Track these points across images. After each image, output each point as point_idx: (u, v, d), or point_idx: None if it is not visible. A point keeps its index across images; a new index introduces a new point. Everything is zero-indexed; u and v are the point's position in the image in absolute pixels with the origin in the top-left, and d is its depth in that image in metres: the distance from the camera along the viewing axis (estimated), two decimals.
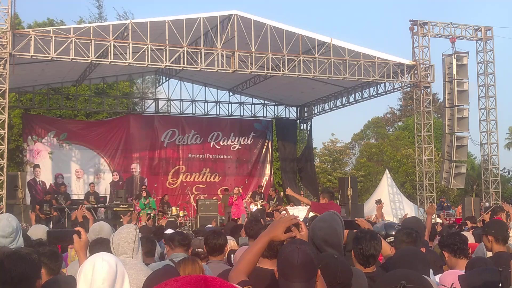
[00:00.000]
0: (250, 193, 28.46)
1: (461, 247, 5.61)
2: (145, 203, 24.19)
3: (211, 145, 31.69)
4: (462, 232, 7.70)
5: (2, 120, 20.56)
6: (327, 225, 4.29)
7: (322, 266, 3.48)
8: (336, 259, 4.07)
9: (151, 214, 23.30)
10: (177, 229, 9.83)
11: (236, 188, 25.77)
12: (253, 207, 25.44)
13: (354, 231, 5.58)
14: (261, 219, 12.16)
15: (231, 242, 8.16)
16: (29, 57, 21.04)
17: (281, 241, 3.55)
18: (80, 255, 4.22)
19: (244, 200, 26.00)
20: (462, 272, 4.95)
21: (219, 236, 6.81)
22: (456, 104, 25.74)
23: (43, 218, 22.12)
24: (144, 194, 24.76)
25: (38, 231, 7.06)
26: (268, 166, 33.25)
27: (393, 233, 6.68)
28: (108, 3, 71.82)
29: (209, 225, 15.45)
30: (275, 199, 25.87)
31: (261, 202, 25.81)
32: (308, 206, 19.18)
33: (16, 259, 3.33)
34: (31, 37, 20.68)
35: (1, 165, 20.40)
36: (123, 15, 42.59)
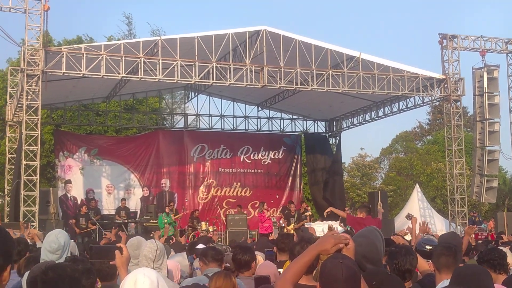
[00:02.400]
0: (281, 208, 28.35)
1: (500, 263, 5.54)
2: (166, 221, 23.95)
3: (241, 159, 31.77)
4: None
5: (34, 137, 20.80)
6: (367, 240, 4.24)
7: (377, 283, 3.45)
8: (391, 276, 4.02)
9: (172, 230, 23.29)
10: (210, 244, 9.83)
11: (262, 204, 25.76)
12: (283, 223, 25.32)
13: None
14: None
15: (258, 257, 8.16)
16: (61, 74, 21.29)
17: (317, 256, 3.53)
18: (121, 271, 4.26)
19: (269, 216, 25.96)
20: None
21: (245, 252, 6.82)
22: (487, 117, 25.51)
23: (79, 233, 22.21)
24: (167, 210, 24.64)
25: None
26: (298, 180, 33.23)
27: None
28: (137, 21, 72.56)
29: (244, 240, 15.40)
30: (295, 215, 25.55)
31: (294, 224, 25.23)
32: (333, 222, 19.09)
33: (60, 271, 3.35)
34: (63, 54, 20.93)
35: (34, 181, 20.62)
36: (156, 31, 42.91)
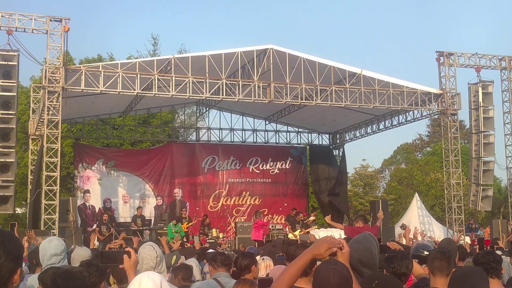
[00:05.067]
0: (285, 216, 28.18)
1: (494, 267, 5.48)
2: (174, 231, 23.77)
3: (250, 170, 31.78)
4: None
5: (55, 149, 20.87)
6: (363, 246, 4.24)
7: (378, 282, 3.44)
8: (391, 277, 4.01)
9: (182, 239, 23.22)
10: (218, 249, 9.84)
11: (258, 212, 25.73)
12: (288, 230, 25.21)
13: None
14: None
15: (268, 262, 8.18)
16: (80, 90, 21.40)
17: (314, 260, 3.51)
18: (129, 274, 4.26)
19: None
20: None
21: (245, 257, 6.93)
22: (482, 130, 25.46)
23: (101, 240, 22.22)
24: (174, 222, 24.41)
25: (83, 253, 7.03)
26: (304, 189, 33.18)
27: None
28: (163, 41, 72.85)
29: (251, 247, 15.34)
30: (300, 222, 25.39)
31: (299, 230, 25.15)
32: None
33: (69, 277, 3.35)
34: (81, 72, 21.05)
35: (54, 191, 20.65)
36: (183, 51, 42.91)
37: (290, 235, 23.80)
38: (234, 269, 7.31)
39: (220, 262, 6.82)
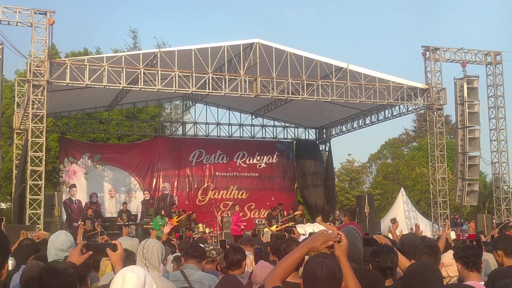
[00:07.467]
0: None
1: (473, 261, 5.53)
2: (159, 224, 23.60)
3: (237, 164, 31.77)
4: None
5: (40, 143, 20.76)
6: (348, 240, 4.26)
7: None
8: (370, 271, 4.02)
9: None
10: (205, 244, 9.82)
11: (234, 206, 25.72)
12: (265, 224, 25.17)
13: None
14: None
15: (251, 258, 8.15)
16: (65, 84, 21.29)
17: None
18: (116, 267, 4.24)
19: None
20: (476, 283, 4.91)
21: (236, 251, 6.87)
22: (467, 125, 25.64)
23: (91, 235, 22.11)
24: (162, 212, 24.41)
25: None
26: (291, 183, 33.22)
27: None
28: (142, 34, 72.58)
29: (223, 239, 15.30)
30: (277, 217, 25.29)
31: (276, 225, 25.07)
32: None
33: (54, 273, 3.33)
34: (67, 65, 20.94)
35: (39, 185, 20.56)
36: (162, 45, 42.77)
37: (266, 230, 23.80)
38: (223, 265, 7.27)
39: (190, 254, 6.83)
